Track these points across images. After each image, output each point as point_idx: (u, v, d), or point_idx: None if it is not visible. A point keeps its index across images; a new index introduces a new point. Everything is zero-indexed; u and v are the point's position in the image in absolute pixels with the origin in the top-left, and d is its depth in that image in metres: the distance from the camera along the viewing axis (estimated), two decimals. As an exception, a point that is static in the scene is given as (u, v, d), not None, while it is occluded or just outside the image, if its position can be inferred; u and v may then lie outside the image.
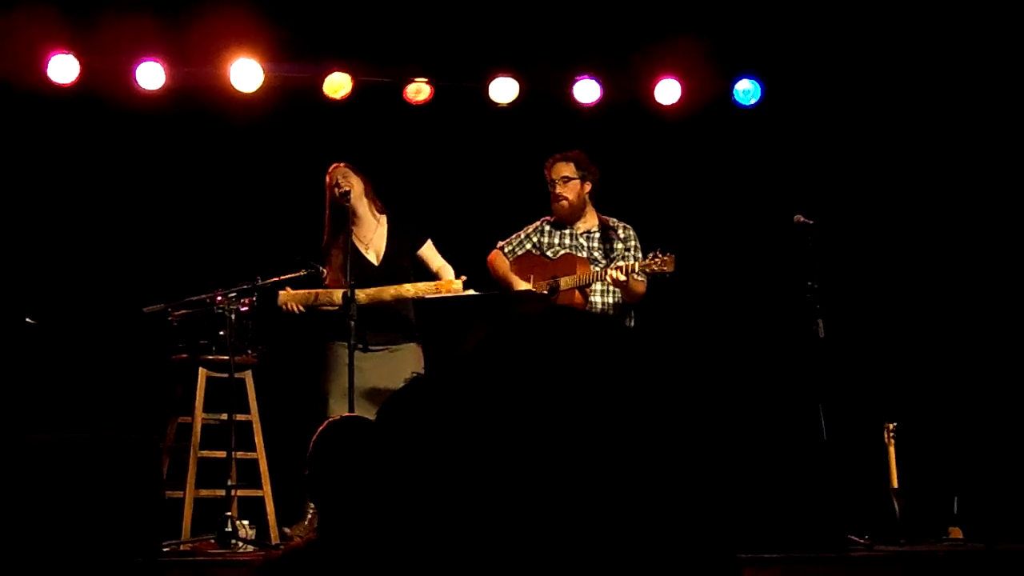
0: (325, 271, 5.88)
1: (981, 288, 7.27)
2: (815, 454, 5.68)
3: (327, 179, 5.99)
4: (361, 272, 5.76)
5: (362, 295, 5.70)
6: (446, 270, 5.98)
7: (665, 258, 5.66)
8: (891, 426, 6.25)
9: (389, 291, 5.82)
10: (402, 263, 5.96)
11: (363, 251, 5.95)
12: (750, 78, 7.48)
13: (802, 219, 5.96)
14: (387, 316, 5.80)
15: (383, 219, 6.02)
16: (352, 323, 5.56)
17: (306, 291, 5.84)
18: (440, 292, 5.82)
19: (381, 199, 6.14)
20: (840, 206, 7.16)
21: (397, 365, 5.79)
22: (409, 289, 5.85)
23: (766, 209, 7.01)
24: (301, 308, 5.82)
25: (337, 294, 5.75)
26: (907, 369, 7.18)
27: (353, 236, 5.87)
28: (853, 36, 7.33)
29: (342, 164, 6.02)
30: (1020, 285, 7.21)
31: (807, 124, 7.53)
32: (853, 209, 7.34)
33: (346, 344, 5.73)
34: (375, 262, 5.88)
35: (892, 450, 6.23)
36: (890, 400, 6.80)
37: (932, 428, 6.90)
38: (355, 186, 5.90)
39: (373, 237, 5.91)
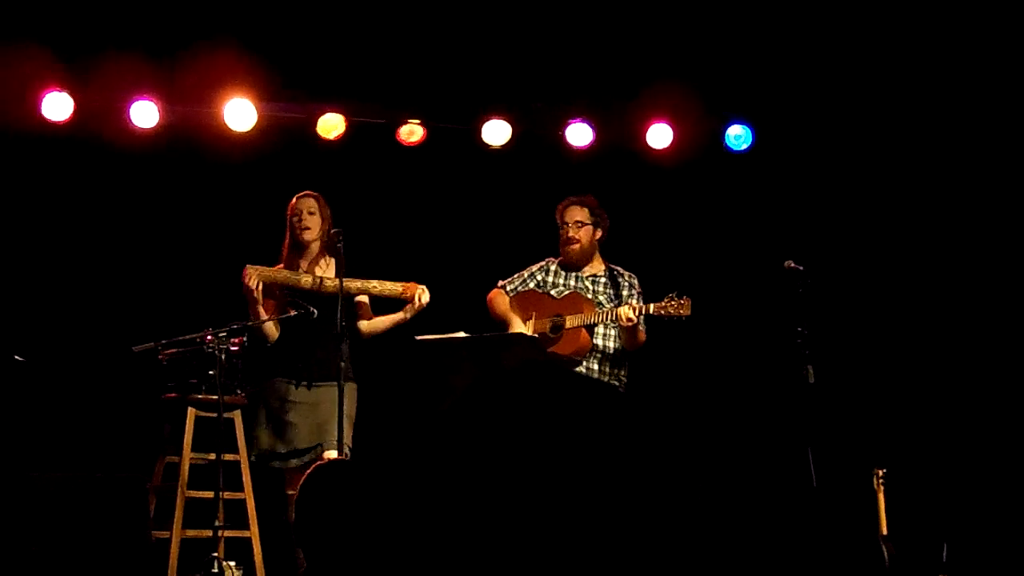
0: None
1: (971, 335, 7.28)
2: (804, 500, 5.68)
3: (293, 204, 5.98)
4: (297, 296, 5.75)
5: (330, 284, 5.70)
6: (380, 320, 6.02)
7: (682, 301, 5.71)
8: (880, 472, 6.25)
9: (357, 283, 5.83)
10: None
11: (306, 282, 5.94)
12: (742, 124, 7.53)
13: (792, 265, 5.97)
14: (332, 354, 5.73)
15: (331, 261, 5.99)
16: (342, 364, 5.53)
17: (272, 269, 5.80)
18: (404, 294, 5.89)
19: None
20: (830, 252, 7.18)
21: (336, 401, 5.68)
22: (375, 285, 5.88)
23: (756, 255, 7.03)
24: (257, 284, 5.77)
25: (305, 279, 5.76)
26: (897, 415, 7.18)
27: (301, 268, 5.92)
28: (843, 83, 7.38)
29: (311, 196, 6.00)
30: (1007, 332, 7.23)
31: (798, 170, 7.56)
32: (843, 255, 7.36)
33: (289, 381, 5.80)
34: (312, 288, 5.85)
35: (881, 496, 6.22)
36: (879, 446, 6.80)
37: (922, 474, 6.90)
38: (314, 228, 5.92)
39: (316, 272, 5.90)
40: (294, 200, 6.00)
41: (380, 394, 6.29)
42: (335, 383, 5.56)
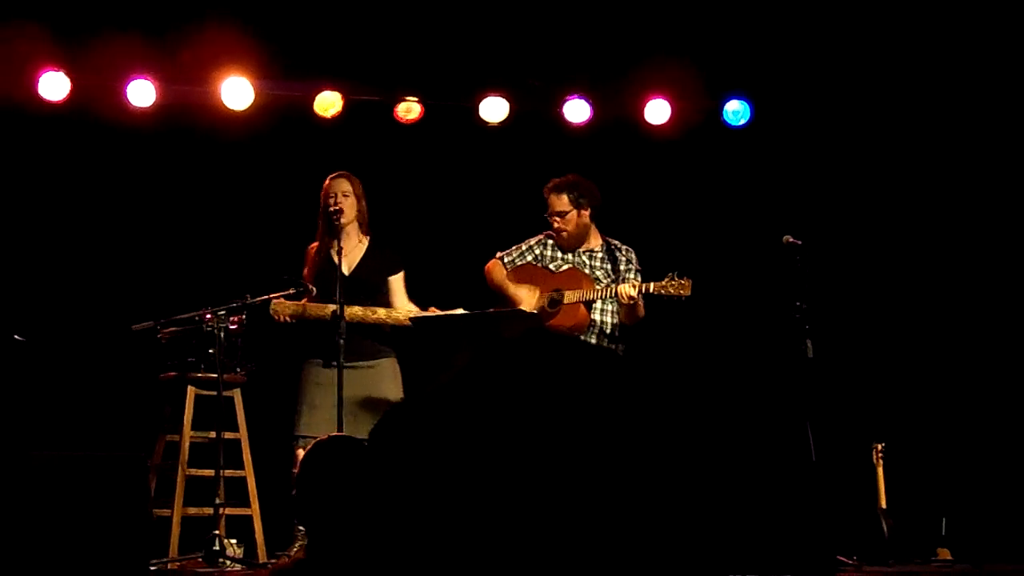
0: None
1: (969, 308, 7.29)
2: (803, 474, 5.69)
3: (326, 185, 5.95)
4: (330, 281, 5.74)
5: (352, 312, 5.70)
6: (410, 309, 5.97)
7: (682, 281, 5.67)
8: (879, 446, 6.26)
9: (379, 313, 5.83)
10: (371, 280, 5.93)
11: (337, 262, 5.92)
12: (740, 99, 7.51)
13: (791, 239, 5.97)
14: (361, 332, 5.76)
15: (366, 240, 6.00)
16: (341, 341, 5.54)
17: (297, 303, 5.83)
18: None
19: (370, 217, 6.13)
20: (829, 226, 7.18)
21: (374, 380, 5.78)
22: (399, 315, 5.86)
23: (755, 229, 7.03)
24: (289, 318, 5.81)
25: (328, 309, 5.74)
26: (895, 389, 7.20)
27: (333, 248, 5.89)
28: (842, 58, 7.37)
29: (343, 177, 5.97)
30: (1006, 304, 7.23)
31: (796, 145, 7.56)
32: (842, 229, 7.36)
33: (319, 362, 5.78)
34: (345, 272, 5.82)
35: (880, 470, 6.24)
36: (878, 420, 6.81)
37: (920, 448, 6.92)
38: (348, 210, 5.88)
39: (351, 252, 5.89)
40: (327, 181, 5.95)
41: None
42: (366, 362, 5.72)
